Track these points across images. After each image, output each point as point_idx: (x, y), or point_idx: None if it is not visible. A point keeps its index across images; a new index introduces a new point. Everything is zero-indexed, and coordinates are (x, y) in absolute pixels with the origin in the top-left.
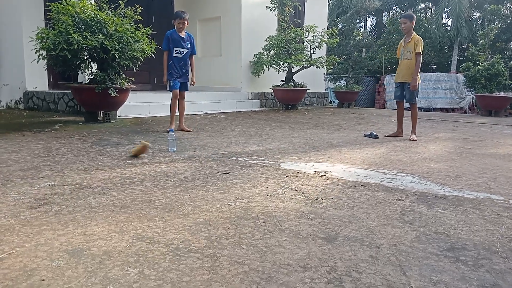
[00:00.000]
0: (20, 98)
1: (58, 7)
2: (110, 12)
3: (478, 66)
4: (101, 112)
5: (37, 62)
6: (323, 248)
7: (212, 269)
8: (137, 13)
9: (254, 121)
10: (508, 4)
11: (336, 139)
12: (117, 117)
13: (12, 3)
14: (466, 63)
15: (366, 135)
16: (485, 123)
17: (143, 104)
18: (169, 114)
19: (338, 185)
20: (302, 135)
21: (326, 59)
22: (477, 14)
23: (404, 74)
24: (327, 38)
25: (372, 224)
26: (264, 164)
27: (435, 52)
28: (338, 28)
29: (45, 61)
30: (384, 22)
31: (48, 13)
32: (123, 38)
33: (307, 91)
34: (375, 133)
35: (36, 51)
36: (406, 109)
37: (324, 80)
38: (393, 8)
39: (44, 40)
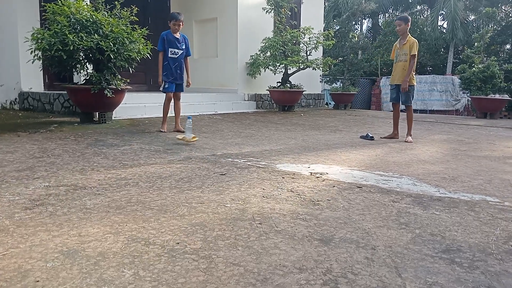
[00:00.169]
0: (15, 99)
1: (53, 8)
2: (106, 13)
3: (474, 68)
4: (97, 113)
5: (33, 62)
6: (318, 249)
7: (208, 270)
8: (133, 14)
9: (251, 123)
10: (503, 7)
11: (332, 141)
12: (113, 118)
13: (8, 3)
14: (462, 65)
15: (362, 137)
16: (480, 125)
17: (139, 105)
18: None
19: (334, 186)
20: (298, 137)
21: (322, 60)
22: (472, 17)
23: (400, 76)
24: (323, 40)
25: (367, 225)
26: (260, 166)
27: (431, 54)
28: (334, 30)
29: (41, 61)
30: (380, 24)
31: (43, 13)
32: (119, 39)
33: (303, 92)
34: (371, 135)
35: (32, 51)
36: (401, 111)
37: (320, 81)
38: (389, 10)
39: (39, 41)
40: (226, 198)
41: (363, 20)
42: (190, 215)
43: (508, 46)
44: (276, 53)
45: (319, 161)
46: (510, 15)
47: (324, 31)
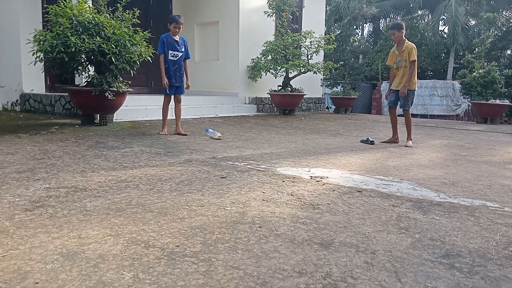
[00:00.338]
0: (17, 100)
1: (56, 10)
2: (108, 15)
3: (474, 73)
4: (98, 115)
5: (34, 64)
6: (318, 253)
7: (207, 273)
8: (135, 17)
9: (251, 126)
10: (504, 12)
11: (333, 145)
12: (114, 120)
13: (10, 5)
14: (462, 70)
15: (362, 141)
16: (480, 130)
17: (140, 107)
18: None
19: (334, 190)
20: (299, 140)
21: (323, 64)
22: (473, 22)
23: (402, 82)
24: (324, 44)
25: (367, 230)
26: (261, 169)
27: (432, 59)
28: (335, 34)
29: (42, 63)
30: (381, 29)
31: (46, 15)
32: (121, 41)
33: (304, 96)
34: (371, 139)
35: (34, 53)
36: (399, 115)
37: (321, 85)
38: (390, 15)
39: (41, 42)
40: (226, 201)
41: (364, 24)
42: (190, 218)
43: (509, 52)
44: (277, 57)
45: (319, 165)
46: (511, 20)
47: (325, 35)
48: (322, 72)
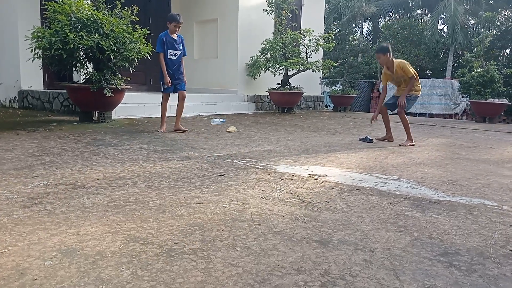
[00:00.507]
0: (15, 97)
1: (54, 6)
2: (106, 12)
3: (473, 72)
4: (96, 112)
5: (33, 61)
6: (317, 251)
7: (206, 270)
8: (134, 14)
9: (250, 124)
10: (503, 12)
11: (331, 143)
12: (112, 118)
13: (9, 2)
14: (461, 69)
15: (361, 139)
16: (479, 129)
17: (138, 104)
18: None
19: (332, 188)
20: (298, 139)
21: (322, 63)
22: (472, 21)
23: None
24: (324, 42)
25: (366, 228)
26: (259, 167)
27: (430, 58)
28: (335, 32)
29: (41, 60)
30: (380, 27)
31: (44, 12)
32: (120, 38)
33: (303, 94)
34: (370, 138)
35: (32, 50)
36: (393, 114)
37: (320, 84)
38: (390, 14)
39: (40, 39)
40: (225, 198)
41: (364, 23)
42: (188, 215)
43: (507, 51)
44: (276, 55)
45: (318, 163)
46: (510, 20)
47: (324, 33)
48: (321, 71)
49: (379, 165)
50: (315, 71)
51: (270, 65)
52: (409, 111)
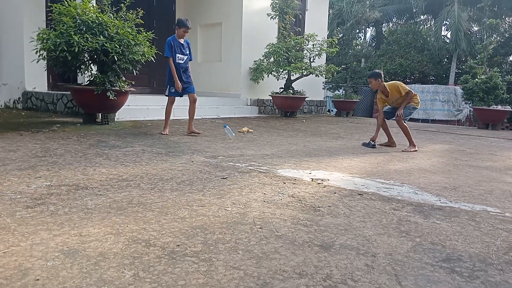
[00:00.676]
0: (19, 98)
1: (59, 8)
2: (111, 15)
3: (476, 79)
4: (100, 114)
5: (37, 62)
6: (319, 255)
7: (208, 273)
8: (139, 17)
9: (252, 127)
10: (506, 19)
11: (334, 148)
12: (116, 120)
13: (14, 3)
14: (464, 75)
15: (364, 144)
16: (482, 135)
17: (142, 107)
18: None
19: (335, 193)
20: (300, 143)
21: (325, 67)
22: (476, 28)
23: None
24: (327, 47)
25: (368, 233)
26: (262, 170)
27: (434, 64)
28: (338, 37)
29: (45, 61)
30: (384, 33)
31: (49, 14)
32: (124, 41)
33: (306, 99)
34: (373, 143)
35: (37, 51)
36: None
37: (323, 88)
38: (393, 19)
39: (45, 41)
40: (227, 201)
41: (367, 28)
42: (191, 218)
43: (511, 58)
44: (280, 59)
45: (320, 167)
46: None
47: (327, 38)
48: (324, 75)
49: (381, 170)
50: (318, 76)
51: (274, 69)
52: (411, 117)
